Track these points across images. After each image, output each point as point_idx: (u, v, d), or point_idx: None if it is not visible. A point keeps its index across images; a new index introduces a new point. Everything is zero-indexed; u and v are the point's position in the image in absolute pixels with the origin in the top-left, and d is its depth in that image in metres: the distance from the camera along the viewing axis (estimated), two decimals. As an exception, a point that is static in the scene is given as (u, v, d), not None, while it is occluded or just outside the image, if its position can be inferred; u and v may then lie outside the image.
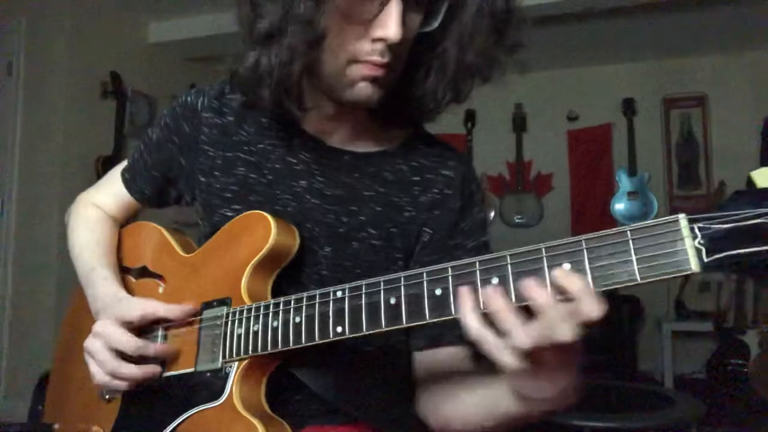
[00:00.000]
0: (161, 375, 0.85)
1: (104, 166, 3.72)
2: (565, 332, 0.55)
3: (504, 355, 0.58)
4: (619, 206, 4.77)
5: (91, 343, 0.83)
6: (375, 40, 0.74)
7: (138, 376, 0.82)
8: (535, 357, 0.58)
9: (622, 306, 4.16)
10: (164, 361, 0.86)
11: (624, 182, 4.76)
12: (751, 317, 3.73)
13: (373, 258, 0.87)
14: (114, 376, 0.82)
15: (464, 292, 0.60)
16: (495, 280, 0.59)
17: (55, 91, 3.64)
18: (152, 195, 1.02)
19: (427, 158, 0.92)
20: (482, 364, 0.65)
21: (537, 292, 0.56)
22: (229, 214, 0.89)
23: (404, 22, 0.74)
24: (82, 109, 3.74)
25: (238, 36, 0.78)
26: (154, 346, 0.83)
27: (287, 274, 0.85)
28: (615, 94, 4.85)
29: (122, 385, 0.83)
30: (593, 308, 0.54)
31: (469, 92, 0.84)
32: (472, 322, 0.59)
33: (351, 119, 0.89)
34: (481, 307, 0.59)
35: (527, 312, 0.58)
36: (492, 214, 5.03)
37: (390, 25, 0.72)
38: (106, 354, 0.82)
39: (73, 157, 3.65)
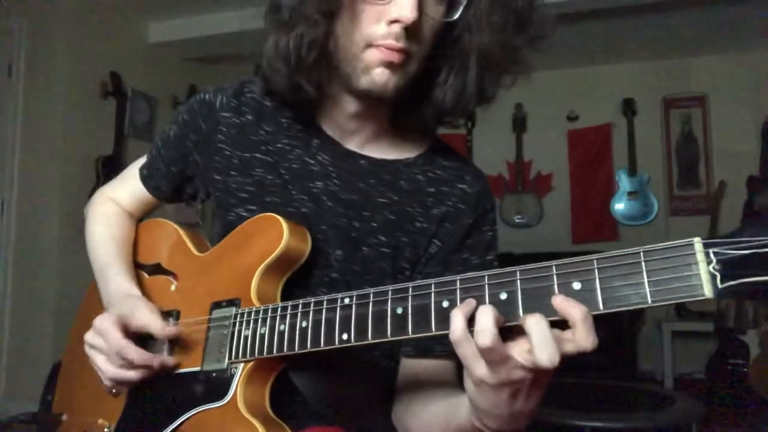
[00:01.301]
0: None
1: (104, 166, 3.72)
2: (549, 357, 0.53)
3: (476, 361, 0.57)
4: (619, 206, 4.77)
5: (92, 339, 0.84)
6: (391, 23, 0.74)
7: (138, 377, 0.83)
8: (506, 373, 0.57)
9: (622, 306, 4.15)
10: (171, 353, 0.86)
11: (624, 182, 4.76)
12: (751, 317, 3.73)
13: (382, 265, 0.87)
14: (116, 381, 0.84)
15: (468, 300, 0.59)
16: (503, 296, 0.58)
17: (55, 91, 3.64)
18: (168, 191, 1.02)
19: (445, 171, 0.91)
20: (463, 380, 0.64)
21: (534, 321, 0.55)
22: (244, 214, 0.89)
23: (424, 9, 0.75)
24: (82, 109, 3.73)
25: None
26: (159, 359, 0.83)
27: (297, 275, 0.85)
28: (615, 94, 4.86)
29: (131, 379, 0.84)
30: (590, 339, 0.54)
31: (494, 93, 0.83)
32: (458, 322, 0.57)
33: (373, 121, 0.88)
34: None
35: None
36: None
37: (405, 6, 0.73)
38: (110, 355, 0.83)
39: (73, 157, 3.65)
